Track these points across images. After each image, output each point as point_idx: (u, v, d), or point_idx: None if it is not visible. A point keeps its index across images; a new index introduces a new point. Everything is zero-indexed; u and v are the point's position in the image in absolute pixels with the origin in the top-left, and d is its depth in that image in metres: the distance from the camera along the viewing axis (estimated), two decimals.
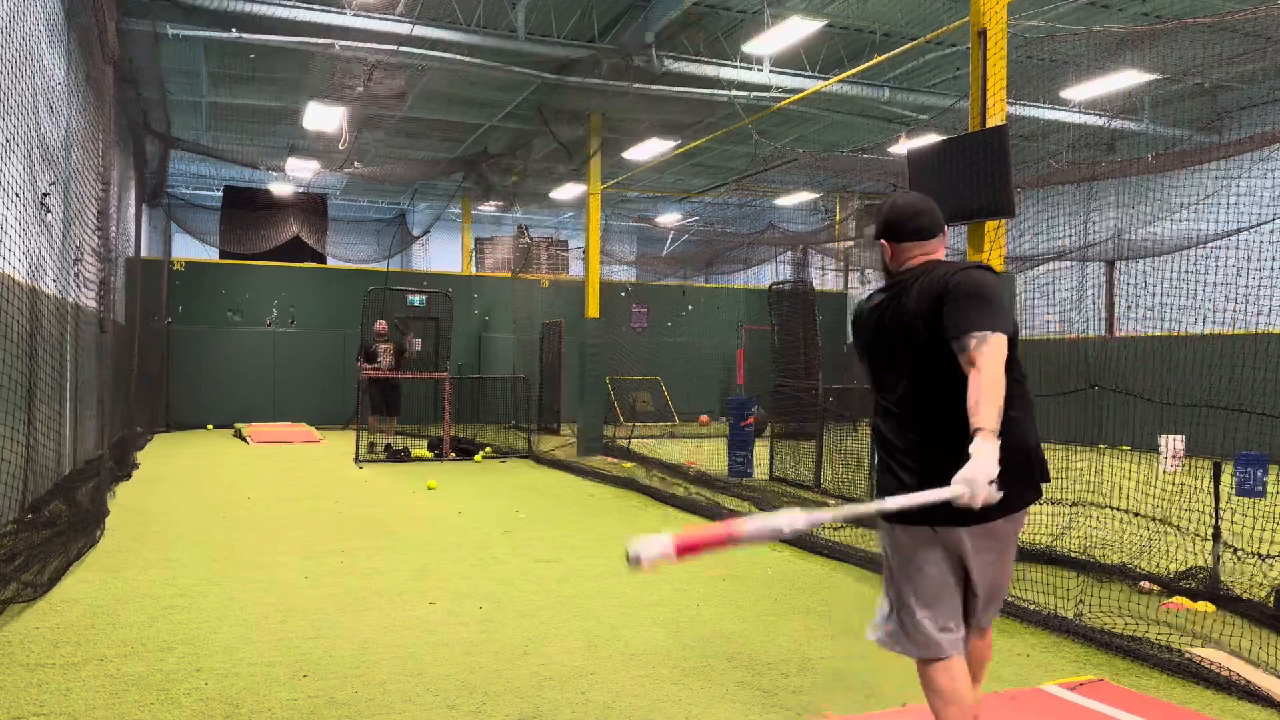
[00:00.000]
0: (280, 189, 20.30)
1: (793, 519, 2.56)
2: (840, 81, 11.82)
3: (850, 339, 3.03)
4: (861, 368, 3.07)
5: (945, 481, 2.56)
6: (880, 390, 2.96)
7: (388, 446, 13.47)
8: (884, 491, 2.83)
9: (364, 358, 13.51)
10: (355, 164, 17.01)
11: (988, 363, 2.57)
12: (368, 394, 13.60)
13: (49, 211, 8.07)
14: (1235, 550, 6.06)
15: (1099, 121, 13.93)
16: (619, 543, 7.34)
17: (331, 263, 21.28)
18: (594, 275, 15.55)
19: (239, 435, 16.25)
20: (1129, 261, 12.01)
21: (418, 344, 13.57)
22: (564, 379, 18.02)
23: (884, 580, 3.05)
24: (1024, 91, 12.99)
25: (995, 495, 2.50)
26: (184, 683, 3.99)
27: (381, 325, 13.78)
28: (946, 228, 3.05)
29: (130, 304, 14.29)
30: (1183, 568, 5.92)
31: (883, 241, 3.01)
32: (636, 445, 13.84)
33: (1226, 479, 9.56)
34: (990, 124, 6.82)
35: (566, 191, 18.24)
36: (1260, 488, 9.88)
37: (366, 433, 13.69)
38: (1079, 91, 12.86)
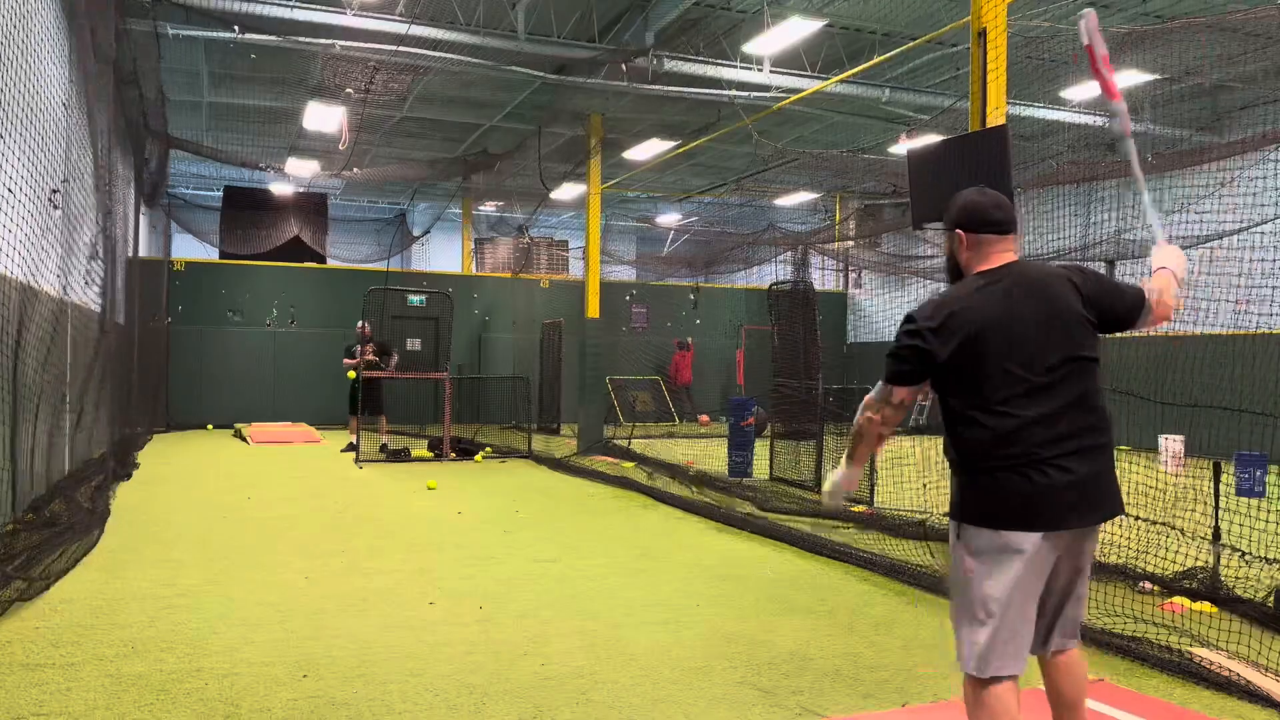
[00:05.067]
0: (280, 189, 20.30)
1: None
2: (840, 81, 11.82)
3: (931, 338, 2.94)
4: (993, 362, 2.75)
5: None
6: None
7: (350, 445, 13.61)
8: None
9: (349, 356, 13.76)
10: (355, 169, 16.99)
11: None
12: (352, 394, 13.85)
13: (57, 209, 8.07)
14: (1239, 553, 6.06)
15: (1099, 121, 13.91)
16: (619, 543, 7.34)
17: (331, 263, 21.29)
18: (594, 275, 15.55)
19: (239, 435, 16.25)
20: (1129, 261, 12.01)
21: (394, 359, 13.80)
22: (564, 379, 18.02)
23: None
24: (1024, 91, 12.98)
25: None
26: (184, 683, 3.99)
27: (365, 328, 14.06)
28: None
29: (130, 304, 14.29)
30: (1183, 568, 5.92)
31: (959, 232, 2.95)
32: (636, 445, 13.83)
33: (1227, 479, 9.55)
34: (990, 124, 6.83)
35: (566, 191, 18.25)
36: (1260, 488, 9.87)
37: (372, 433, 13.74)
38: (1079, 91, 12.85)
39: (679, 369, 21.31)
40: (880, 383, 2.90)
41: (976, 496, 2.76)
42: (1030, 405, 2.69)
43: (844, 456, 3.04)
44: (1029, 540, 2.67)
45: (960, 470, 2.83)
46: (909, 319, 2.80)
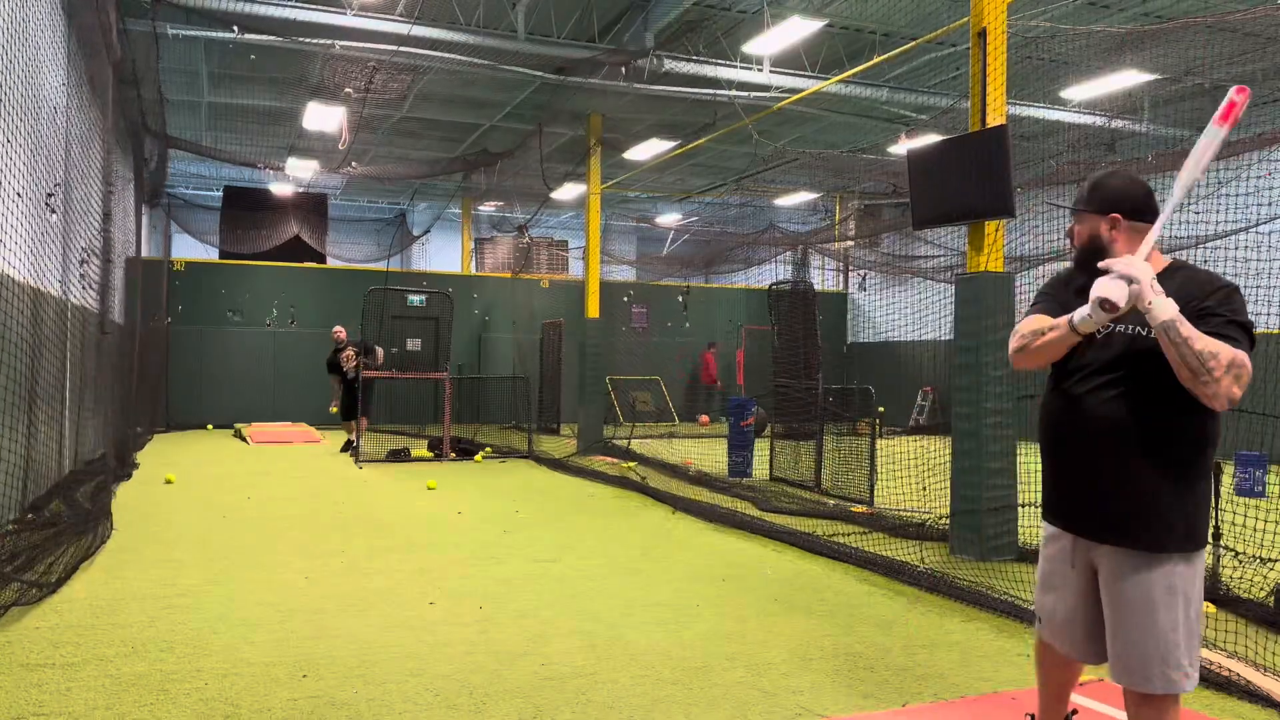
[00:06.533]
0: (280, 189, 20.31)
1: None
2: (840, 81, 11.82)
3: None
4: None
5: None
6: None
7: (348, 444, 13.55)
8: None
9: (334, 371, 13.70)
10: (353, 165, 16.99)
11: None
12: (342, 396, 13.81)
13: (54, 212, 8.07)
14: (1236, 554, 6.06)
15: (1099, 121, 13.92)
16: (619, 543, 7.35)
17: (331, 263, 21.29)
18: (594, 275, 15.56)
19: (239, 435, 16.25)
20: None
21: (379, 354, 13.71)
22: (564, 379, 18.03)
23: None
24: (1024, 91, 12.98)
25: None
26: (184, 683, 3.99)
27: (338, 333, 13.93)
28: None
29: (130, 304, 14.29)
30: None
31: (1117, 217, 2.72)
32: (636, 445, 13.84)
33: (1226, 479, 9.55)
34: (990, 124, 6.83)
35: (567, 191, 18.25)
36: (1260, 488, 9.88)
37: (351, 434, 13.71)
38: (1079, 91, 12.85)
39: (705, 369, 21.55)
40: (1236, 350, 2.45)
41: (1204, 512, 2.64)
42: None
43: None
44: None
45: (1195, 483, 2.59)
46: (1239, 292, 2.59)
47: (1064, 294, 2.83)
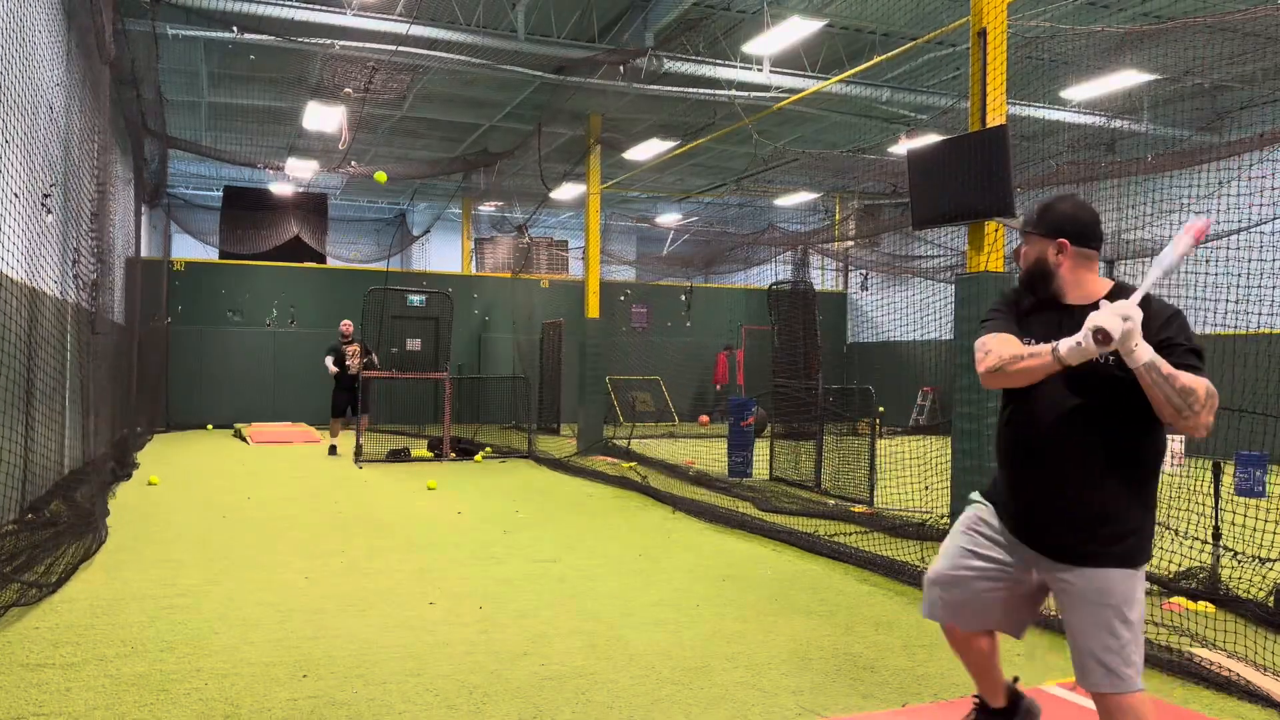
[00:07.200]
0: (280, 189, 20.31)
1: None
2: (840, 81, 11.82)
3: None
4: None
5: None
6: None
7: (333, 449, 13.53)
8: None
9: (333, 358, 13.48)
10: (353, 165, 17.00)
11: None
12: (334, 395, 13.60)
13: (50, 212, 8.07)
14: (1236, 554, 6.06)
15: (1099, 121, 13.92)
16: (619, 543, 7.34)
17: (331, 263, 21.28)
18: (594, 275, 15.55)
19: (239, 435, 16.25)
20: (1129, 261, 12.02)
21: (375, 358, 13.59)
22: (564, 379, 18.03)
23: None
24: (1024, 91, 12.98)
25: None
26: (184, 683, 3.99)
27: (347, 325, 13.67)
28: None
29: (130, 304, 14.28)
30: (1183, 568, 5.92)
31: (1064, 243, 2.79)
32: (636, 445, 13.83)
33: (1226, 479, 9.55)
34: (990, 124, 6.83)
35: (566, 191, 18.26)
36: (1260, 488, 9.88)
37: (353, 433, 13.63)
38: (1079, 91, 12.86)
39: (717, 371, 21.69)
40: (1206, 380, 2.55)
41: (1153, 525, 2.79)
42: None
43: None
44: None
45: (1148, 499, 2.75)
46: (1183, 315, 2.70)
47: (1015, 312, 2.91)
